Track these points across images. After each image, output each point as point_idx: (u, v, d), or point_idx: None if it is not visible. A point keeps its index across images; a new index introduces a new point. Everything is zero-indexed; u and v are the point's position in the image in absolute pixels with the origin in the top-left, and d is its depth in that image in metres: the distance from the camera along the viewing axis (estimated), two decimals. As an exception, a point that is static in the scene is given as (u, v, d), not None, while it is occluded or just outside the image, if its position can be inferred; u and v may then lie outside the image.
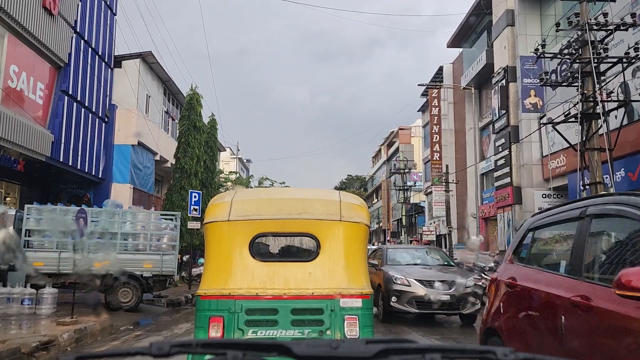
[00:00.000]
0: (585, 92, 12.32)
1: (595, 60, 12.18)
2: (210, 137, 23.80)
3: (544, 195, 22.39)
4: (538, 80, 23.73)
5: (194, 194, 15.51)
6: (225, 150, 39.52)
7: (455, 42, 33.96)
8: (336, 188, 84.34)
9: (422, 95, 42.63)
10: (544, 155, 22.25)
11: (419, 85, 28.76)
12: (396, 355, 1.10)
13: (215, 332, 3.86)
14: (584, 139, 12.78)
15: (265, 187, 28.61)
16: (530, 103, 22.98)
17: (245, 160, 66.04)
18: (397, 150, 55.12)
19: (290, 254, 4.63)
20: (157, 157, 22.76)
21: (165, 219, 12.03)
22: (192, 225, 15.38)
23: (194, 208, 15.12)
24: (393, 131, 63.98)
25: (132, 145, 19.93)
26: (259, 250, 4.32)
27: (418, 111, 43.96)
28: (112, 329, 8.47)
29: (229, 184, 27.65)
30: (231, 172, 29.19)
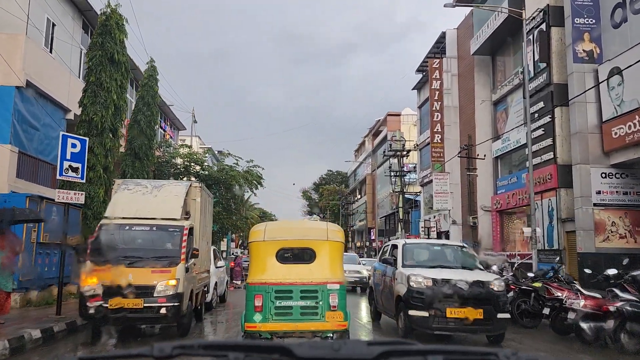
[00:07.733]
0: None
1: None
2: (147, 91, 17.17)
3: (603, 175, 16.48)
4: (593, 20, 18.06)
5: (69, 140, 8.68)
6: (185, 129, 32.87)
7: (464, -3, 27.87)
8: (315, 184, 78.99)
9: (418, 71, 36.70)
10: (604, 120, 16.32)
11: (445, 11, 21.23)
12: (398, 357, 1.11)
13: (258, 302, 6.57)
14: None
15: (228, 165, 22.36)
16: (584, 50, 17.01)
17: (216, 152, 59.76)
18: (384, 138, 49.11)
19: (299, 259, 7.51)
20: (70, 116, 16.05)
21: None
22: (62, 196, 8.58)
23: (69, 166, 8.40)
24: (379, 120, 57.95)
25: (17, 87, 13.23)
26: (281, 257, 7.09)
27: (413, 89, 37.94)
28: None
29: (179, 159, 21.03)
30: (182, 145, 22.55)
